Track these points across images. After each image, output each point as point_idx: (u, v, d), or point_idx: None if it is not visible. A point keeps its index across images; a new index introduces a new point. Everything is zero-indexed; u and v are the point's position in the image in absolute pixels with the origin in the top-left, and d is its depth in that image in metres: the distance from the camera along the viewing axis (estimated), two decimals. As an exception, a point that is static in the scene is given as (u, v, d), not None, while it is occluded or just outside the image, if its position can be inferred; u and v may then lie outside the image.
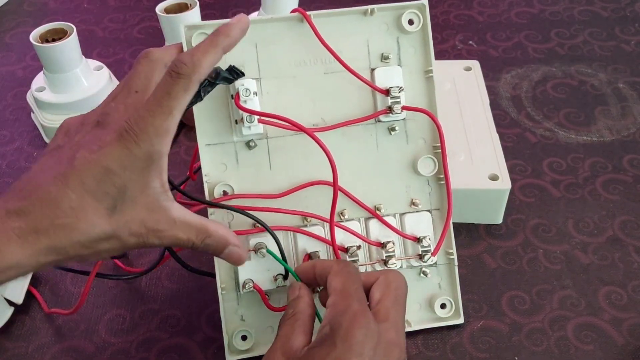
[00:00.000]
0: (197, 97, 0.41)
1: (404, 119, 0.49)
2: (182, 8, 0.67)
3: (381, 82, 0.48)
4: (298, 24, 0.47)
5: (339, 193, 0.48)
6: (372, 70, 0.49)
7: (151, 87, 0.41)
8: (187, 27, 0.45)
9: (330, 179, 0.46)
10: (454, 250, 0.51)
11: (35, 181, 0.37)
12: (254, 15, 0.64)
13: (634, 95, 0.73)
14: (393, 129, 0.49)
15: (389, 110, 0.48)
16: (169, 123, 0.38)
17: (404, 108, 0.48)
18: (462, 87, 0.67)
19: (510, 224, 0.60)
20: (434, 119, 0.49)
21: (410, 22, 0.49)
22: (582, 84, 0.75)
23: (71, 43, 0.65)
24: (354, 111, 0.49)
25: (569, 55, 0.79)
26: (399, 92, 0.48)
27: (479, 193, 0.57)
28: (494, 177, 0.57)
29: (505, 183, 0.57)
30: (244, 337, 0.49)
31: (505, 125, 0.70)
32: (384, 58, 0.49)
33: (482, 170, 0.58)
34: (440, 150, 0.49)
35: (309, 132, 0.45)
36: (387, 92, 0.48)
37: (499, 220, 0.60)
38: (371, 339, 0.37)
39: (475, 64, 0.70)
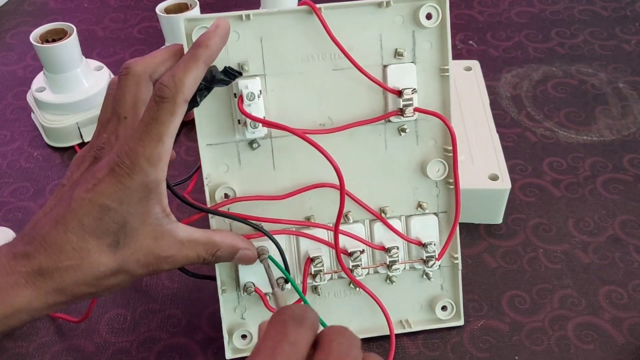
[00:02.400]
0: (194, 103, 0.40)
1: (415, 119, 0.47)
2: (182, 8, 0.67)
3: (393, 81, 0.46)
4: (306, 17, 0.44)
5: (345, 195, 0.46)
6: (385, 67, 0.46)
7: (139, 109, 0.40)
8: (187, 20, 0.43)
9: (336, 181, 0.44)
10: (459, 255, 0.50)
11: (39, 226, 0.37)
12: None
13: (634, 95, 0.73)
14: (403, 130, 0.47)
15: (400, 112, 0.46)
16: (160, 150, 0.37)
17: (416, 110, 0.46)
18: (462, 87, 0.67)
19: (511, 224, 0.60)
20: (447, 123, 0.46)
21: (428, 16, 0.45)
22: (583, 83, 0.75)
23: (71, 43, 0.65)
24: (363, 110, 0.46)
25: (569, 54, 0.79)
26: (412, 93, 0.45)
27: (479, 193, 0.57)
28: (494, 177, 0.57)
29: (505, 183, 0.57)
30: (244, 336, 0.49)
31: (505, 125, 0.70)
32: (398, 54, 0.46)
33: (482, 170, 0.58)
34: (451, 154, 0.47)
35: (312, 142, 0.43)
36: (399, 93, 0.45)
37: (499, 220, 0.60)
38: None
39: (475, 64, 0.70)
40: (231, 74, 0.42)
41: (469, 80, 0.68)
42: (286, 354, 0.29)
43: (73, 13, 0.89)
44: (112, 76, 0.71)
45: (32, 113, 0.72)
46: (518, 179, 0.64)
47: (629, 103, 0.73)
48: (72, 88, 0.67)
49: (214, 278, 0.48)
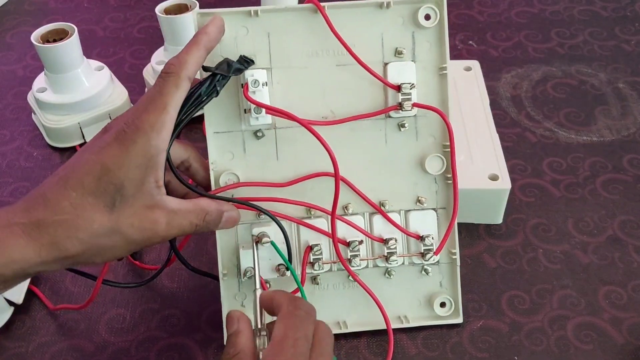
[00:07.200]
0: (214, 92, 0.44)
1: (414, 115, 0.48)
2: (181, 9, 0.67)
3: (393, 78, 0.48)
4: (311, 15, 0.46)
5: (345, 187, 0.48)
6: (385, 64, 0.48)
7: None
8: (199, 14, 0.45)
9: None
10: (457, 250, 0.51)
11: (43, 186, 0.40)
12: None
13: (634, 95, 0.73)
14: (403, 125, 0.49)
15: (399, 106, 0.47)
16: (164, 118, 0.40)
17: (414, 105, 0.47)
18: (462, 87, 0.67)
19: (510, 224, 0.60)
20: (444, 118, 0.48)
21: (427, 17, 0.47)
22: (582, 83, 0.75)
23: (72, 43, 0.65)
24: (365, 105, 0.48)
25: (569, 55, 0.79)
26: (410, 88, 0.47)
27: (479, 193, 0.57)
28: (494, 177, 0.57)
29: (505, 183, 0.57)
30: None
31: (505, 125, 0.70)
32: (398, 53, 0.48)
33: (482, 170, 0.58)
34: (449, 150, 0.49)
35: (310, 128, 0.44)
36: (398, 88, 0.47)
37: (499, 220, 0.60)
38: None
39: (475, 64, 0.70)
40: (245, 62, 0.45)
41: (468, 81, 0.68)
42: (302, 345, 0.36)
43: (73, 13, 0.89)
44: (113, 76, 0.72)
45: (32, 113, 0.72)
46: (518, 179, 0.64)
47: (628, 103, 0.73)
48: (73, 88, 0.67)
49: (214, 276, 0.48)
